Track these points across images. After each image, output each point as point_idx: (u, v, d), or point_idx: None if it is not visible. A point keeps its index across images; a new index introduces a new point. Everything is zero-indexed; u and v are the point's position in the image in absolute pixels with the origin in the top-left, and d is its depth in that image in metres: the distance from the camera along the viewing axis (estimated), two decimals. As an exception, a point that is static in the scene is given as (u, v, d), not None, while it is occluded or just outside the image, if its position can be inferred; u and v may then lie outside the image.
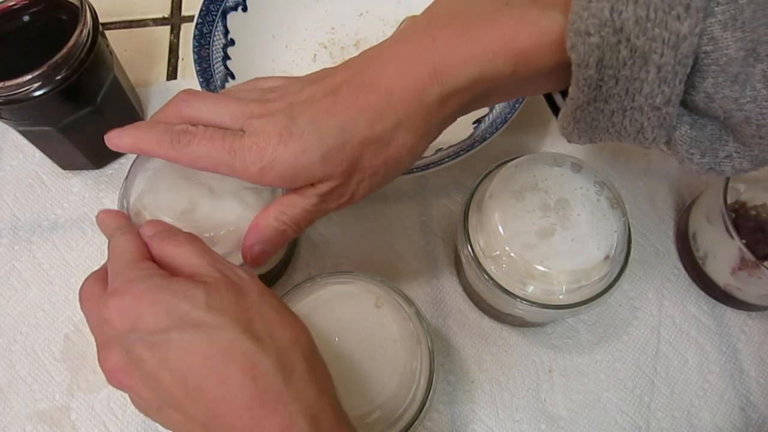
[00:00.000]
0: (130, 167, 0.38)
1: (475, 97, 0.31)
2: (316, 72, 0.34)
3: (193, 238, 0.31)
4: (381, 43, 0.32)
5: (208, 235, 0.35)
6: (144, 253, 0.30)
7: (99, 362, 0.28)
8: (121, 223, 0.33)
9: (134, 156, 0.38)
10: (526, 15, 0.28)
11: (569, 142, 0.32)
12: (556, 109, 0.33)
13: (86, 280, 0.31)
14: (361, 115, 0.30)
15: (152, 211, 0.36)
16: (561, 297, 0.37)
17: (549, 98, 0.34)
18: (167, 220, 0.35)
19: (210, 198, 0.36)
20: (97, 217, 0.34)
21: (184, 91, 0.35)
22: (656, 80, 0.26)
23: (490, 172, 0.40)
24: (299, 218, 0.33)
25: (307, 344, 0.28)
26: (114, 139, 0.34)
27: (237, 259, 0.36)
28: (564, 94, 0.32)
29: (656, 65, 0.25)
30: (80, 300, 0.30)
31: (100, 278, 0.30)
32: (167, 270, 0.29)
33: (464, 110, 0.32)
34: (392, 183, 0.49)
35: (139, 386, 0.27)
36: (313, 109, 0.31)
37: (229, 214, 0.36)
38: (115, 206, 0.49)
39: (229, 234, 0.36)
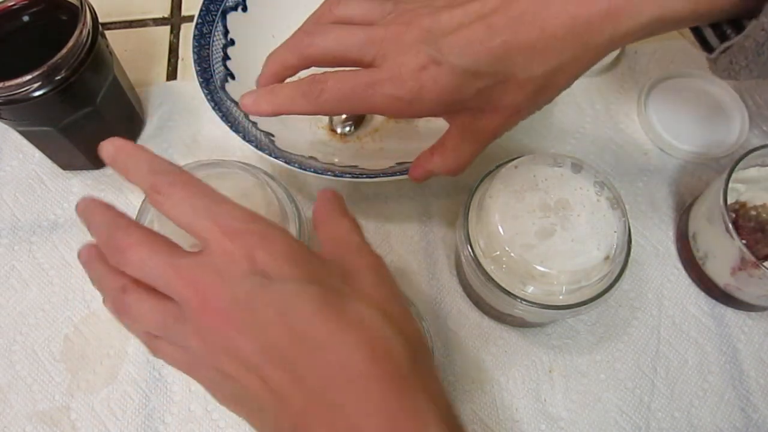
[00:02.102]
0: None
1: (644, 37, 0.28)
2: None
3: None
4: None
5: None
6: None
7: (191, 306, 0.24)
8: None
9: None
10: None
11: (722, 77, 0.30)
12: (704, 43, 0.30)
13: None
14: (520, 55, 0.27)
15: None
16: (561, 297, 0.37)
17: (697, 32, 0.31)
18: None
19: None
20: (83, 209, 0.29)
21: None
22: None
23: (490, 172, 0.40)
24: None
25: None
26: (251, 105, 0.32)
27: None
28: (714, 27, 0.29)
29: None
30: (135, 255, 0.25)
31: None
32: None
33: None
34: (392, 183, 0.49)
35: (240, 334, 0.23)
36: (463, 41, 0.28)
37: None
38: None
39: None
